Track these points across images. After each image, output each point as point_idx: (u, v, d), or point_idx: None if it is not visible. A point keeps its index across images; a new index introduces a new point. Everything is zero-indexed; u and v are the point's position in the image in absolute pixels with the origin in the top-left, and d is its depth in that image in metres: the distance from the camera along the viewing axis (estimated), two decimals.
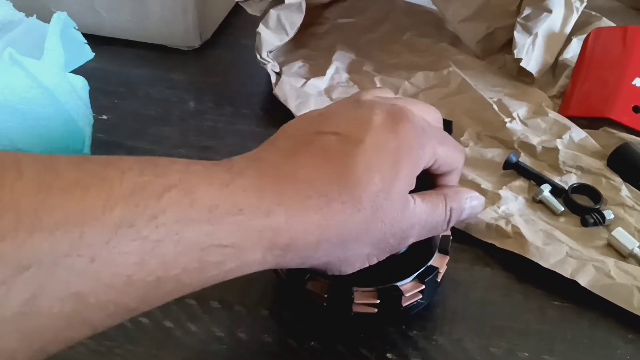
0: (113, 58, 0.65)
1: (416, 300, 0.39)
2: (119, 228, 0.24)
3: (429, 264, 0.39)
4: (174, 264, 0.26)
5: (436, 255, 0.40)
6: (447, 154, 0.37)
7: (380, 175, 0.32)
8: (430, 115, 0.37)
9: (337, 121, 0.34)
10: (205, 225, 0.27)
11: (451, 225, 0.38)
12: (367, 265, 0.35)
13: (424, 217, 0.35)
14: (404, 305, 0.39)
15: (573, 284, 0.42)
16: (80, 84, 0.47)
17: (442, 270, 0.40)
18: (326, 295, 0.38)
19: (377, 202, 0.32)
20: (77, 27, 0.48)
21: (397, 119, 0.33)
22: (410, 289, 0.38)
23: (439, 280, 0.40)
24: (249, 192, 0.29)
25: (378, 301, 0.38)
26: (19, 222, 0.22)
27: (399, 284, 0.38)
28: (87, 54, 0.50)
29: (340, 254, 0.33)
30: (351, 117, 0.34)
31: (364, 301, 0.38)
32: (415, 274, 0.39)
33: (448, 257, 0.40)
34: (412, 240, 0.35)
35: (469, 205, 0.38)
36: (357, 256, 0.34)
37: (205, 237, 0.27)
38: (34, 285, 0.22)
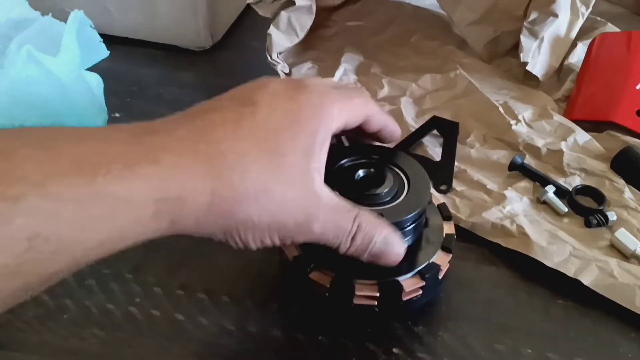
0: (124, 58, 0.66)
1: (416, 296, 0.40)
2: None
3: (430, 260, 0.40)
4: (39, 220, 0.24)
5: (438, 252, 0.41)
6: (356, 107, 0.36)
7: (277, 134, 0.31)
8: (325, 81, 0.37)
9: (234, 91, 0.33)
10: (73, 177, 0.25)
11: (355, 245, 0.34)
12: (268, 242, 0.32)
13: (331, 205, 0.33)
14: (404, 299, 0.40)
15: (577, 283, 0.43)
16: (95, 81, 0.48)
17: (444, 268, 0.41)
18: (328, 286, 0.39)
19: (276, 159, 0.30)
20: (92, 26, 0.49)
21: (296, 86, 0.33)
22: (410, 284, 0.39)
23: (440, 277, 0.41)
24: (125, 140, 0.28)
25: (378, 294, 0.38)
26: None
27: (399, 278, 0.39)
28: (102, 52, 0.51)
29: (234, 218, 0.30)
30: (247, 86, 0.33)
31: (365, 293, 0.39)
32: (416, 270, 0.39)
33: (450, 255, 0.41)
34: (315, 228, 0.32)
35: (382, 238, 0.35)
36: (253, 225, 0.31)
37: (75, 189, 0.25)
38: None
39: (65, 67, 0.44)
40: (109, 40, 0.55)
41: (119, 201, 0.26)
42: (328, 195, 0.33)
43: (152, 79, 0.64)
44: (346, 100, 0.35)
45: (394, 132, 0.41)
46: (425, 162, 0.52)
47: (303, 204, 0.32)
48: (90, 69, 0.51)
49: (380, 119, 0.39)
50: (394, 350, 0.40)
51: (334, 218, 0.33)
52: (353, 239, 0.34)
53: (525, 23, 0.59)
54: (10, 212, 0.23)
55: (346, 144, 0.44)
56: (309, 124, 0.32)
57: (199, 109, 0.32)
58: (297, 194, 0.32)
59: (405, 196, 0.39)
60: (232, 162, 0.30)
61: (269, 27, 0.58)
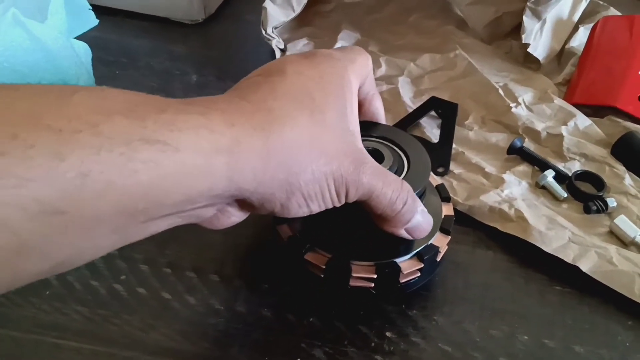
0: (114, 28, 0.64)
1: (414, 278, 0.39)
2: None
3: (429, 242, 0.39)
4: (92, 158, 0.24)
5: (437, 234, 0.39)
6: (362, 67, 0.37)
7: (311, 95, 0.32)
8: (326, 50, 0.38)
9: (260, 69, 0.34)
10: (125, 119, 0.25)
11: (401, 214, 0.35)
12: (327, 196, 0.32)
13: (376, 166, 0.34)
14: (401, 282, 0.38)
15: (574, 269, 0.42)
16: (83, 49, 0.46)
17: (443, 250, 0.40)
18: (324, 267, 0.37)
19: (317, 115, 0.32)
20: None
21: (310, 56, 0.35)
22: (408, 266, 0.38)
23: (438, 259, 0.40)
24: (170, 100, 0.28)
25: (375, 276, 0.37)
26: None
27: (397, 260, 0.38)
28: (91, 20, 0.49)
29: (291, 170, 0.30)
30: (271, 62, 0.35)
31: (362, 275, 0.37)
32: (415, 252, 0.38)
33: (449, 237, 0.40)
34: (365, 180, 0.33)
35: (421, 210, 0.36)
36: (312, 176, 0.31)
37: (126, 131, 0.25)
38: None
39: (52, 34, 0.42)
40: (98, 10, 0.54)
41: (166, 148, 0.26)
42: (371, 158, 0.34)
43: (142, 51, 0.62)
44: (354, 64, 0.36)
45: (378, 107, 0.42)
46: (423, 143, 0.51)
47: (350, 155, 0.33)
48: (79, 38, 0.49)
49: (372, 81, 0.40)
50: (387, 334, 0.39)
51: (383, 179, 0.34)
52: (404, 205, 0.35)
53: (528, 3, 0.57)
54: (66, 148, 0.23)
55: None
56: (335, 88, 0.33)
57: (232, 88, 0.33)
58: (344, 147, 0.32)
59: (404, 176, 0.38)
60: (279, 115, 0.30)
61: (264, 0, 0.56)
